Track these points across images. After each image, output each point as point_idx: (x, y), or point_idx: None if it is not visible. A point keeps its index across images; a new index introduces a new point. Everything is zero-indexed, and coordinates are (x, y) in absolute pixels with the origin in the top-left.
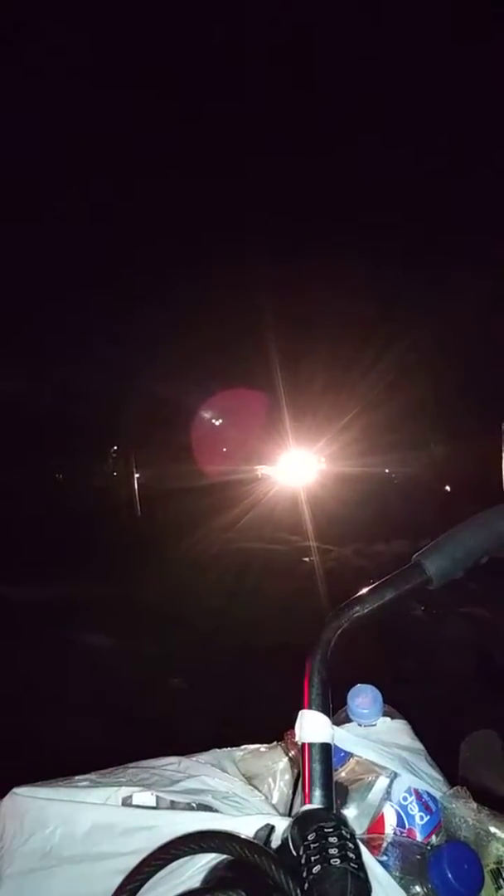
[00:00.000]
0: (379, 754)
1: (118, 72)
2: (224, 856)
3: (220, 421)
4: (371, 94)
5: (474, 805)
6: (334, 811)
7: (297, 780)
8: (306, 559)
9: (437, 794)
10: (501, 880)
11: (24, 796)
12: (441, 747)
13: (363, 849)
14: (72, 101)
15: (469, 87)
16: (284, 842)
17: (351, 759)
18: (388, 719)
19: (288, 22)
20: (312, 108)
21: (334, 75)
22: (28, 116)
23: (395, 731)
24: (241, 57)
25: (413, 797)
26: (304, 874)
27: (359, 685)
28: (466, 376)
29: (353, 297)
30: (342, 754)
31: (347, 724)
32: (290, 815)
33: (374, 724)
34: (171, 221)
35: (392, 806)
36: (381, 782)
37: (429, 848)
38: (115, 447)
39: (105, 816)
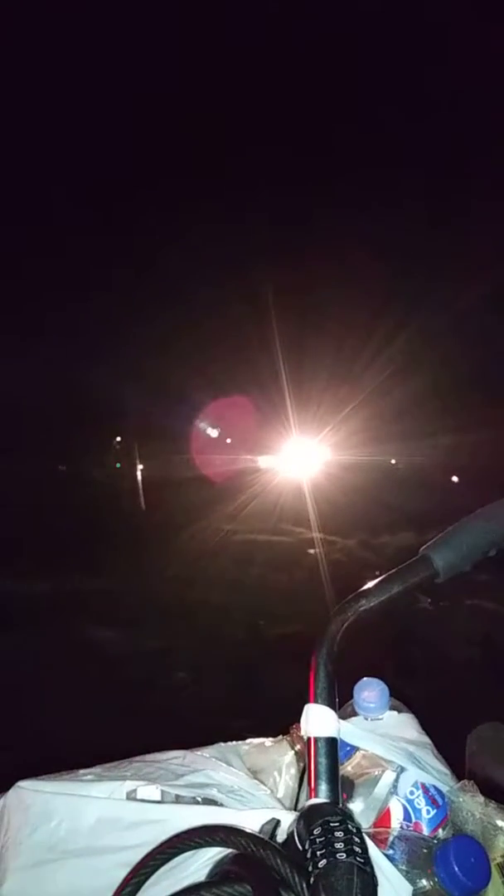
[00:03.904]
0: (385, 748)
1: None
2: (229, 850)
3: (224, 411)
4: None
5: (481, 799)
6: (340, 805)
7: (302, 774)
8: (311, 551)
9: (444, 788)
10: None
11: (29, 790)
12: (448, 741)
13: (369, 843)
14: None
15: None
16: (290, 836)
17: (357, 753)
18: (395, 713)
19: None
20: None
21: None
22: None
23: (402, 724)
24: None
25: (420, 791)
26: (310, 868)
27: (365, 679)
28: (474, 365)
29: (358, 285)
30: (348, 748)
31: (354, 718)
32: (295, 810)
33: (381, 718)
34: (168, 215)
35: (398, 800)
36: (388, 776)
37: (435, 842)
38: (119, 439)
39: (110, 810)
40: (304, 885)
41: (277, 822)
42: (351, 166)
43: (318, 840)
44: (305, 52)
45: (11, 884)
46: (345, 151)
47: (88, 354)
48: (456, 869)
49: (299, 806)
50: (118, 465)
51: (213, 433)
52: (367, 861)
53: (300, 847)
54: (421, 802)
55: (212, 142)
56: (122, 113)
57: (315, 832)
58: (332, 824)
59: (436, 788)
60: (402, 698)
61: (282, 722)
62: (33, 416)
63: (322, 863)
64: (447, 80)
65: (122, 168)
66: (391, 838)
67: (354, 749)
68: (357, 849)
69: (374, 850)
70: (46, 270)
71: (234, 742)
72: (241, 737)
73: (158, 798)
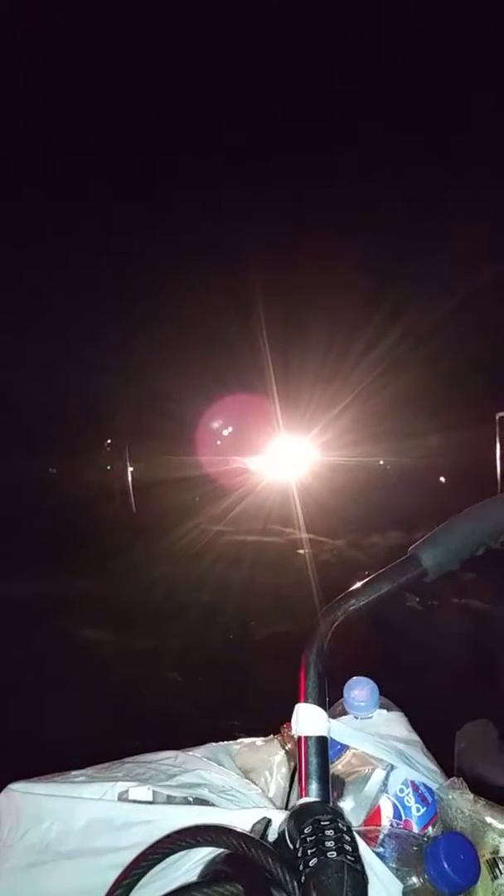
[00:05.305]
0: (375, 746)
1: None
2: (221, 849)
3: (214, 413)
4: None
5: (470, 796)
6: (331, 804)
7: (293, 774)
8: (300, 551)
9: (434, 786)
10: (497, 870)
11: (20, 792)
12: (437, 738)
13: (360, 841)
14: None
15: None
16: (281, 835)
17: (347, 752)
18: (385, 711)
19: None
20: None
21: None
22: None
23: (392, 723)
24: None
25: (409, 789)
26: (301, 867)
27: (355, 678)
28: (462, 365)
29: (345, 283)
30: (339, 747)
31: (344, 717)
32: (286, 809)
33: (371, 717)
34: (156, 214)
35: (388, 798)
36: (378, 774)
37: (425, 839)
38: (109, 441)
39: (101, 811)
40: (296, 884)
41: (268, 822)
42: (344, 162)
43: (308, 839)
44: (303, 43)
45: (3, 886)
46: (339, 147)
47: (78, 357)
48: (445, 866)
49: (290, 805)
50: (108, 466)
51: (204, 435)
52: (358, 859)
53: (291, 846)
54: (411, 800)
55: (199, 137)
56: (108, 105)
57: (306, 831)
58: (322, 823)
59: (425, 786)
60: (392, 697)
61: (272, 721)
62: (23, 418)
63: (313, 861)
64: (443, 71)
65: (114, 164)
66: (381, 836)
67: (345, 748)
68: (347, 847)
69: (364, 849)
70: (39, 272)
71: (225, 742)
72: (232, 736)
73: (150, 799)
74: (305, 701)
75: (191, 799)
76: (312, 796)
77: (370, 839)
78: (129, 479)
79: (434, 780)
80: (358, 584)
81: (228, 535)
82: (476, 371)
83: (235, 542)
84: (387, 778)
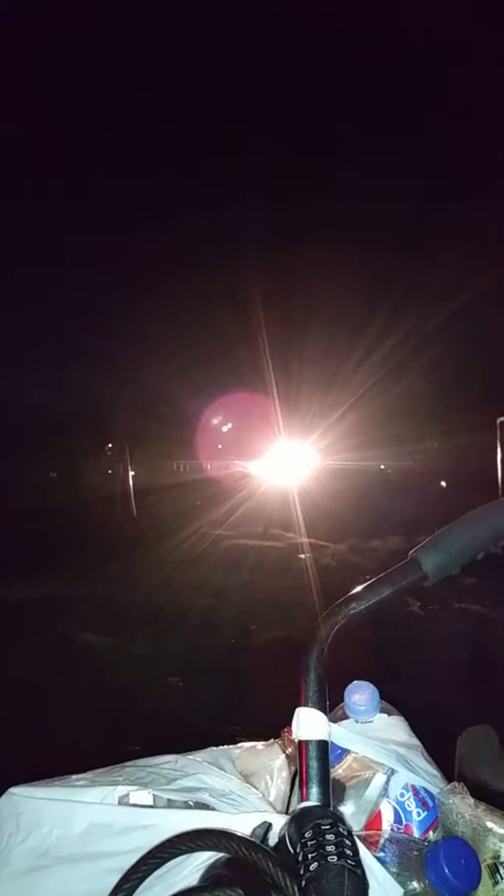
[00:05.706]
0: (376, 751)
1: None
2: (221, 854)
3: (214, 417)
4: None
5: (471, 801)
6: (331, 808)
7: (294, 778)
8: (301, 555)
9: (434, 791)
10: (498, 875)
11: (21, 796)
12: (438, 743)
13: (360, 845)
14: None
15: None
16: (282, 839)
17: (348, 756)
18: (385, 716)
19: None
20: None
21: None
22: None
23: (392, 727)
24: None
25: (410, 793)
26: (302, 871)
27: (356, 682)
28: (462, 370)
29: (346, 287)
30: (339, 751)
31: (344, 721)
32: (287, 813)
33: (371, 721)
34: (156, 217)
35: (389, 802)
36: (379, 779)
37: (426, 844)
38: (110, 445)
39: (102, 815)
40: (296, 889)
41: (269, 826)
42: (346, 164)
43: (309, 843)
44: (303, 45)
45: (3, 891)
46: (340, 149)
47: (79, 360)
48: (446, 871)
49: (291, 809)
50: (109, 470)
51: (204, 439)
52: (358, 864)
53: (292, 850)
54: (411, 805)
55: (198, 137)
56: (107, 105)
57: (306, 835)
58: (323, 827)
59: (426, 791)
60: (392, 701)
61: (273, 725)
62: (24, 421)
63: (313, 866)
64: (445, 73)
65: (114, 165)
66: (382, 841)
67: (345, 752)
68: (348, 851)
69: (364, 853)
70: (39, 273)
71: (225, 746)
72: (233, 740)
73: (150, 803)
74: (306, 705)
75: (191, 803)
76: (313, 800)
77: (371, 844)
78: (130, 482)
79: (435, 785)
80: (358, 588)
81: (229, 539)
82: (477, 376)
83: (236, 547)
84: (387, 782)
